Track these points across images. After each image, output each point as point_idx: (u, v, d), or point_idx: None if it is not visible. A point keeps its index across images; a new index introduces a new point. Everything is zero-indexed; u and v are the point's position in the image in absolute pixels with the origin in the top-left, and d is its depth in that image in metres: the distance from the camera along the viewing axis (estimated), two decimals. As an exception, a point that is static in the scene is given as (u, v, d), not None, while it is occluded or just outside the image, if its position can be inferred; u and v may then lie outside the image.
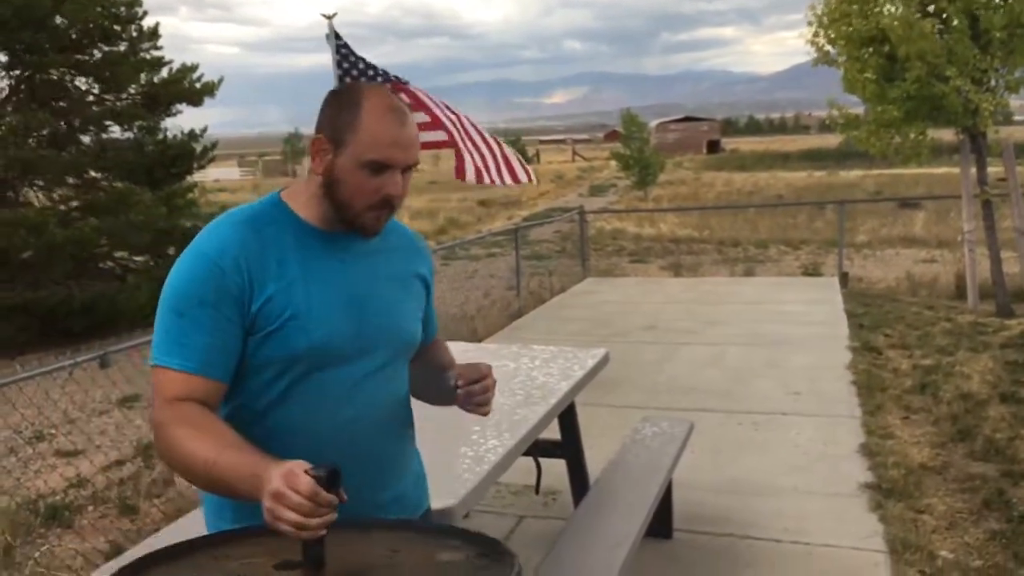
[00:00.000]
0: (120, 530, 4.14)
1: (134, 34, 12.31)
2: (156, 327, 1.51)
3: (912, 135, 8.78)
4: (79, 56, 11.89)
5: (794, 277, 11.51)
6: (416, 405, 1.82)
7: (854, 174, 34.38)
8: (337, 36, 5.27)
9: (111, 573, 1.31)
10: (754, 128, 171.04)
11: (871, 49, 8.62)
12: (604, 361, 3.87)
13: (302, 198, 1.59)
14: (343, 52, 5.29)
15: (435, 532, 1.53)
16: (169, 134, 12.66)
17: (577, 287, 11.18)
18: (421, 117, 5.12)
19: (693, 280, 11.80)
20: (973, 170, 8.86)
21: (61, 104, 12.00)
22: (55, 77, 11.89)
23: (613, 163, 34.08)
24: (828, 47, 9.00)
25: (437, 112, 5.25)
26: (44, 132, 11.63)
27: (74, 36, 11.74)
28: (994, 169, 9.11)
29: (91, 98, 12.30)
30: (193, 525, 3.01)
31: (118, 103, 12.35)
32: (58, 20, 11.42)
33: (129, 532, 4.07)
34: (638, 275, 12.54)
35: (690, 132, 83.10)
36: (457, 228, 22.36)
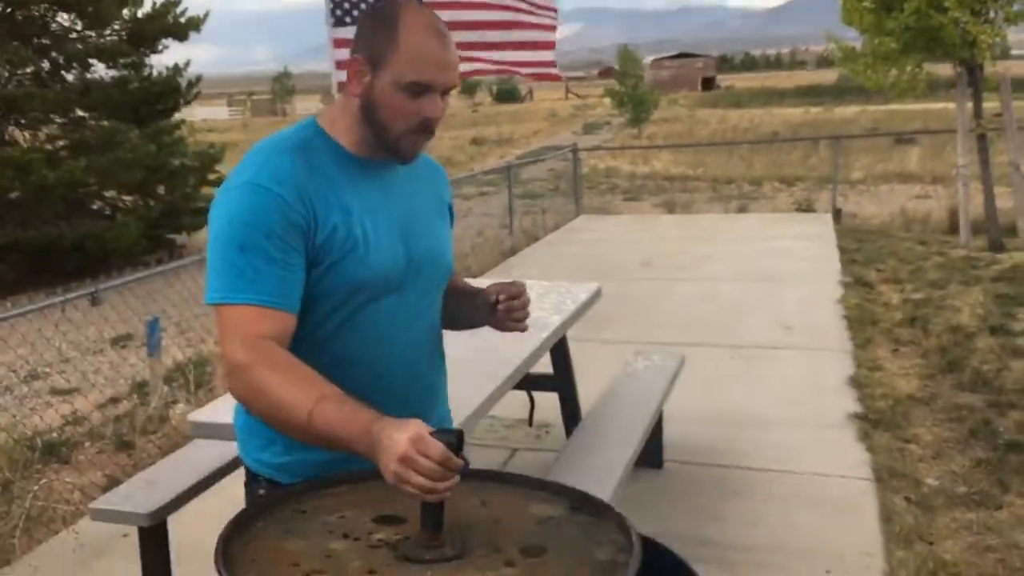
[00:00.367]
0: (117, 465, 4.18)
1: (115, -33, 12.03)
2: (213, 265, 1.44)
3: (909, 68, 8.68)
4: (60, -10, 11.63)
5: (788, 214, 11.49)
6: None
7: (851, 110, 34.06)
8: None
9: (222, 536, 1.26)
10: (750, 64, 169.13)
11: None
12: (596, 295, 3.87)
13: (340, 124, 1.54)
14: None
15: (509, 480, 1.47)
16: (154, 72, 12.46)
17: (570, 224, 11.16)
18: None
19: (687, 217, 11.77)
20: (969, 104, 8.78)
21: (43, 41, 11.76)
22: (36, 13, 11.63)
23: (607, 101, 33.67)
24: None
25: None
26: (28, 70, 11.43)
27: (54, -30, 11.47)
28: (990, 104, 9.04)
29: (74, 35, 12.06)
30: (187, 459, 3.04)
31: (101, 40, 12.12)
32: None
33: (126, 467, 4.11)
34: (632, 213, 12.50)
35: (685, 69, 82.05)
36: (451, 166, 22.19)
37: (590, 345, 5.33)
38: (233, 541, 1.24)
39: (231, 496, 3.32)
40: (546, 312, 3.48)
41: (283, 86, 73.71)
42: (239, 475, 2.95)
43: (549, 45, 4.86)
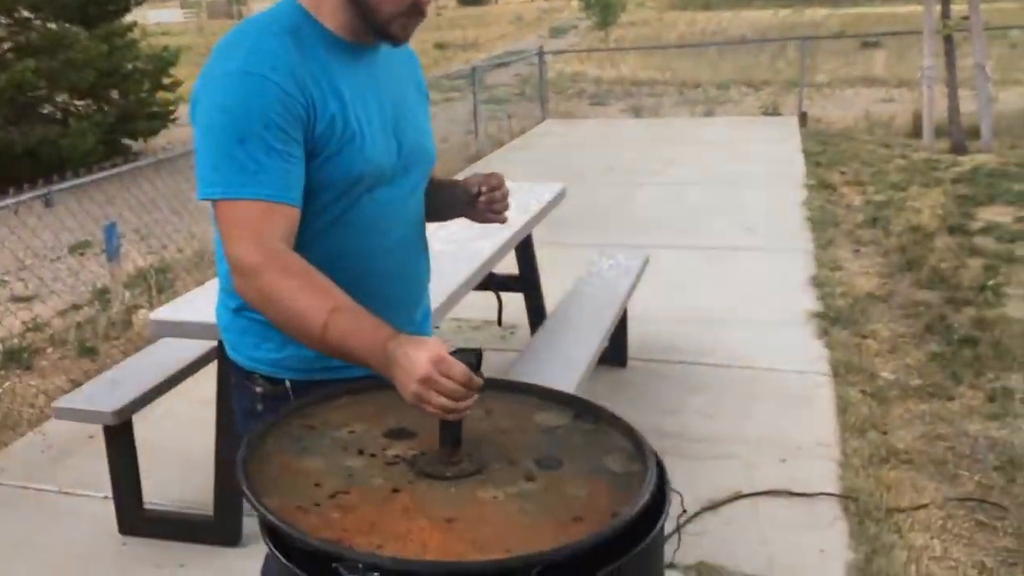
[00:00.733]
0: (81, 370, 4.16)
1: None
2: (208, 159, 1.36)
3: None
4: None
5: (754, 117, 11.44)
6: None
7: (820, 13, 33.61)
8: None
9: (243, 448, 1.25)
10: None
11: None
12: (560, 195, 3.86)
13: (326, 6, 1.45)
14: None
15: (506, 387, 1.48)
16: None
17: (536, 129, 11.03)
18: None
19: (653, 121, 11.68)
20: (937, 7, 8.71)
21: (-19, -66, 11.12)
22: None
23: (574, 3, 32.92)
24: None
25: None
26: (-34, -34, 10.83)
27: None
28: (958, 7, 8.97)
29: (14, -72, 11.41)
30: (151, 358, 3.03)
31: (44, -67, 11.48)
32: None
33: (90, 372, 4.09)
34: (599, 117, 12.37)
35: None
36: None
37: (555, 248, 5.33)
38: (250, 462, 1.23)
39: (197, 395, 3.34)
40: (511, 212, 3.45)
41: (239, -13, 70.93)
42: (206, 373, 2.97)
43: None
